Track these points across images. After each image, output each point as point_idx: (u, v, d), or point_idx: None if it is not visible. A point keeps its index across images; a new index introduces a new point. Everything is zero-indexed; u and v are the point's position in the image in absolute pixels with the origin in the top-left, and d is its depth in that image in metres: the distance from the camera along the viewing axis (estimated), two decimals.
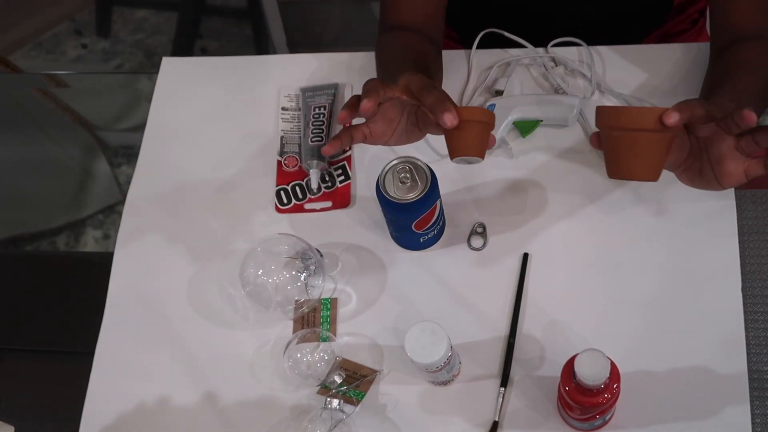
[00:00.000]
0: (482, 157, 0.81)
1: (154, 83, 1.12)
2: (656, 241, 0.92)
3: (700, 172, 0.79)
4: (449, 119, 0.75)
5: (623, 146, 0.77)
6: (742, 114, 0.71)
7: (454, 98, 1.05)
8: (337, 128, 1.05)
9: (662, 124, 0.72)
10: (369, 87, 0.78)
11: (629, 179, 0.78)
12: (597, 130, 0.80)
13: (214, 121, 1.08)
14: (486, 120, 0.80)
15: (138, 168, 1.06)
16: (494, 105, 1.00)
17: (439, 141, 1.01)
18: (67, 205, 1.91)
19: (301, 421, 0.87)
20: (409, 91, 0.80)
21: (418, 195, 0.84)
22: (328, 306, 0.94)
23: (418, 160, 0.86)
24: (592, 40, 1.05)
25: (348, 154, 1.03)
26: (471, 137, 0.79)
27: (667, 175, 0.95)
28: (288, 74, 1.10)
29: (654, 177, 0.77)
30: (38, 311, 1.45)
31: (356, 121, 0.82)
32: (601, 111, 0.78)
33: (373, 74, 1.07)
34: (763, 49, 0.90)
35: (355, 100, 0.79)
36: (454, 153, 0.81)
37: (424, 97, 0.78)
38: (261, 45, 2.20)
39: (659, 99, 1.01)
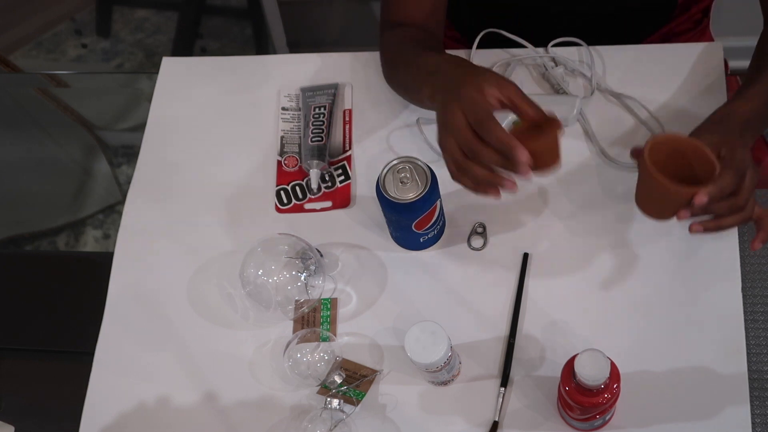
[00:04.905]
0: (558, 164, 0.81)
1: (154, 83, 1.12)
2: (656, 240, 0.92)
3: None
4: (523, 169, 0.77)
5: (654, 196, 0.82)
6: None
7: None
8: (337, 127, 1.05)
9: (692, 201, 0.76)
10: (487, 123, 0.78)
11: (652, 219, 0.84)
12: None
13: (214, 121, 1.08)
14: (551, 146, 0.79)
15: (138, 168, 1.06)
16: None
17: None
18: (67, 205, 1.91)
19: (301, 421, 0.87)
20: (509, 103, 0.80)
21: (418, 195, 0.84)
22: (328, 306, 0.94)
23: (418, 160, 0.86)
24: (594, 39, 1.05)
25: (348, 154, 1.03)
26: (543, 155, 0.80)
27: None
28: (288, 74, 1.10)
29: (669, 218, 0.82)
30: (38, 311, 1.45)
31: None
32: (643, 158, 0.79)
33: (375, 73, 1.07)
34: None
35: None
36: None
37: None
38: (261, 45, 2.20)
39: (659, 97, 1.01)
